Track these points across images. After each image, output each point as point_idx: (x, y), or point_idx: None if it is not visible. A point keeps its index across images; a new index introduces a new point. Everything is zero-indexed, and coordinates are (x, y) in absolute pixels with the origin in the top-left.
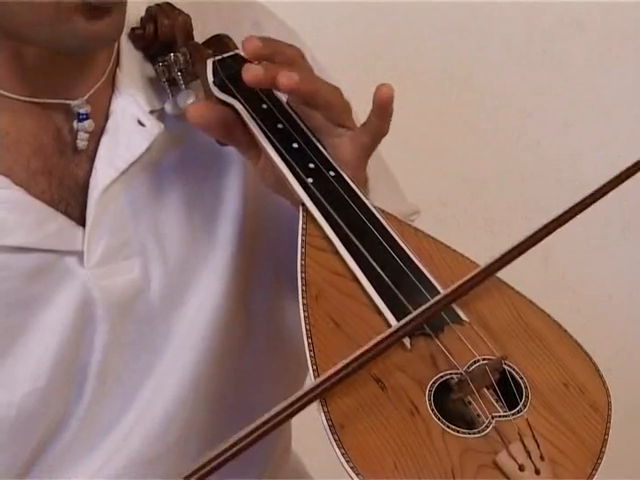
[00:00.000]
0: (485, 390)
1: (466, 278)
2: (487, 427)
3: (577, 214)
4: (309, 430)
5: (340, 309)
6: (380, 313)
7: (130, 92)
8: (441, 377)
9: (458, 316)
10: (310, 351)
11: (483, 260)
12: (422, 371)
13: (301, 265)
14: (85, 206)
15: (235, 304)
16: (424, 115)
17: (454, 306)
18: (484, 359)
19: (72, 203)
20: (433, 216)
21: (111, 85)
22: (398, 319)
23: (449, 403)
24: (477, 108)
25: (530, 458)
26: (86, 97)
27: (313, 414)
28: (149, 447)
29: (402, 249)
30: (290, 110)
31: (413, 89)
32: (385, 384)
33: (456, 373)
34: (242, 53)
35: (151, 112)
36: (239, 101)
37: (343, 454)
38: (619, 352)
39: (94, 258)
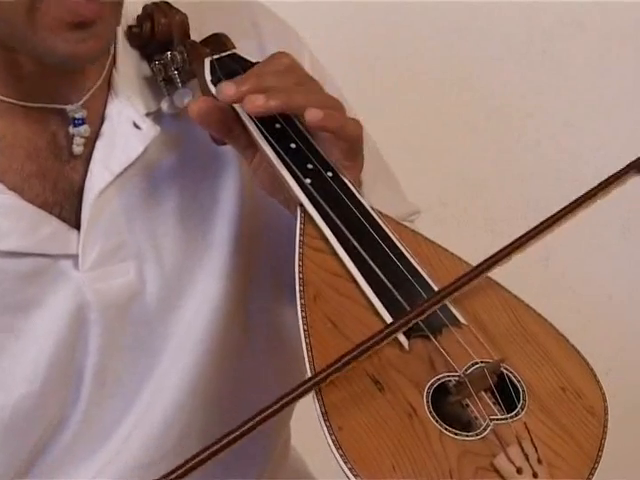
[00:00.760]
0: (483, 393)
1: (461, 274)
2: (485, 430)
3: (575, 212)
4: (310, 430)
5: (338, 310)
6: (378, 314)
7: (126, 94)
8: (439, 379)
9: (456, 319)
10: (308, 351)
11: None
12: (420, 373)
13: (299, 266)
14: (80, 209)
15: (233, 306)
16: (424, 115)
17: (452, 308)
18: (482, 362)
19: (66, 207)
20: (433, 216)
21: (107, 87)
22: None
23: (447, 406)
24: (477, 108)
25: (528, 461)
26: (81, 102)
27: (312, 413)
28: (148, 450)
29: (400, 250)
30: None
31: (413, 89)
32: (383, 385)
33: (454, 375)
34: (240, 52)
35: (147, 114)
36: None
37: (341, 455)
38: (619, 352)
39: (89, 261)
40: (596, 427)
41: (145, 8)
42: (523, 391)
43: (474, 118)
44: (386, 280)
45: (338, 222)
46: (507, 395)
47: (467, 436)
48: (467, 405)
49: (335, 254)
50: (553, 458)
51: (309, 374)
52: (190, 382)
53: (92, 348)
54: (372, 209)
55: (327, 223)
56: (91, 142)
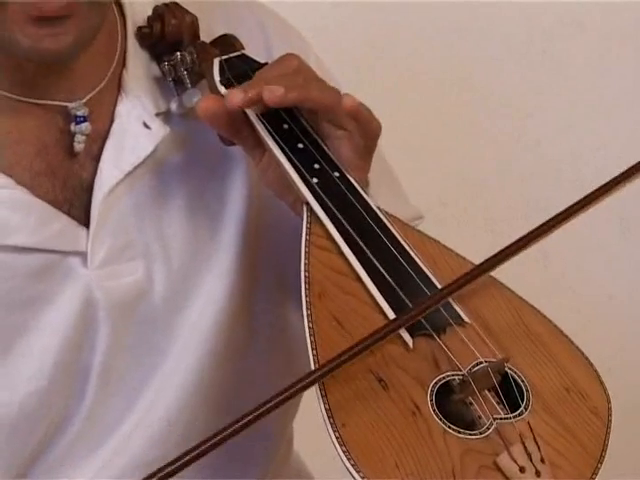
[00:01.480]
0: (487, 392)
1: (464, 272)
2: (488, 429)
3: (576, 213)
4: (310, 431)
5: (343, 308)
6: (383, 313)
7: (136, 94)
8: (443, 378)
9: (460, 317)
10: (313, 349)
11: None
12: (424, 371)
13: (304, 264)
14: (89, 207)
15: (238, 306)
16: (424, 115)
17: (456, 307)
18: (486, 361)
19: (76, 204)
20: (433, 216)
21: (116, 86)
22: None
23: (450, 404)
24: (477, 108)
25: (531, 460)
26: (85, 100)
27: (315, 414)
28: (150, 449)
29: (405, 250)
30: (295, 111)
31: (413, 89)
32: (387, 383)
33: (458, 374)
34: (249, 53)
35: (156, 114)
36: None
37: (344, 452)
38: (619, 352)
39: (97, 259)
40: (600, 428)
41: (156, 9)
42: (527, 391)
43: (474, 118)
44: (390, 279)
45: (344, 221)
46: (511, 395)
47: (470, 435)
48: (471, 404)
49: (341, 253)
50: (556, 458)
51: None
52: (194, 382)
53: (99, 346)
54: (378, 209)
55: (333, 222)
56: (101, 141)
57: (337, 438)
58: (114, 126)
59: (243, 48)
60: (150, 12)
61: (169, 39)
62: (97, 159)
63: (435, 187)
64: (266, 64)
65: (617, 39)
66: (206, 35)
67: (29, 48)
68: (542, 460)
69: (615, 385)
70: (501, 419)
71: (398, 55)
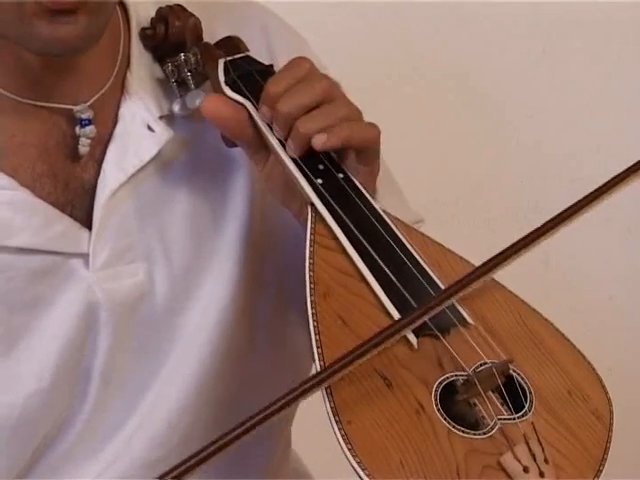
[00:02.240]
0: (490, 393)
1: (467, 273)
2: (492, 429)
3: (579, 213)
4: (310, 431)
5: (348, 307)
6: (387, 313)
7: (140, 96)
8: (447, 378)
9: (464, 319)
10: (318, 348)
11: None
12: (428, 371)
13: (309, 264)
14: (91, 209)
15: (239, 309)
16: (424, 115)
17: (460, 309)
18: (491, 361)
19: (78, 206)
20: (433, 216)
21: (120, 88)
22: None
23: (454, 404)
24: (477, 108)
25: (535, 461)
26: (89, 102)
27: (314, 414)
28: (152, 451)
29: (410, 251)
30: None
31: (413, 89)
32: (392, 382)
33: (462, 374)
34: (253, 55)
35: (160, 117)
36: (250, 101)
37: (349, 449)
38: (619, 352)
39: (99, 261)
40: (601, 430)
41: (159, 11)
42: (530, 392)
43: (474, 118)
44: (395, 279)
45: (348, 222)
46: (514, 396)
47: (474, 434)
48: (474, 404)
49: (345, 253)
50: (559, 459)
51: (318, 370)
52: (195, 383)
53: (101, 348)
54: (382, 211)
55: (337, 222)
56: (104, 143)
57: (342, 436)
58: (117, 128)
59: (247, 50)
60: (153, 14)
61: (172, 41)
62: (100, 161)
63: (435, 187)
64: (271, 65)
65: (617, 39)
66: (209, 37)
67: (48, 38)
68: (546, 460)
69: (615, 385)
70: (505, 420)
71: (398, 55)
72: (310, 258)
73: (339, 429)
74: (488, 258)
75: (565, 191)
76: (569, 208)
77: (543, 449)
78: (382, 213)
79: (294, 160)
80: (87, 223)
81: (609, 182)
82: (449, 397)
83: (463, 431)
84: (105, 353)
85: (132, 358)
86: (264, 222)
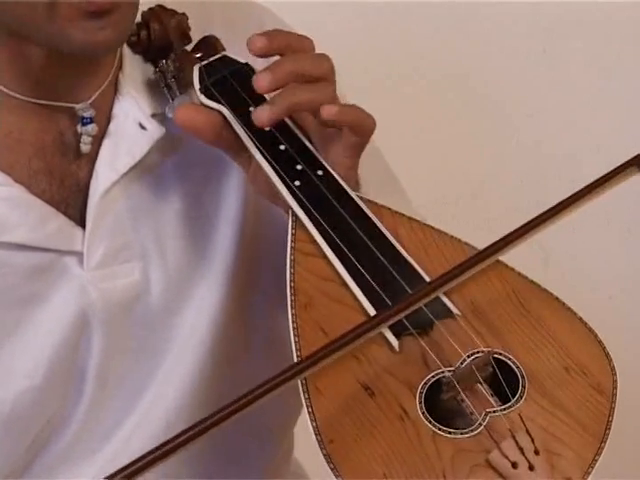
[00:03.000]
0: (479, 385)
1: (448, 269)
2: (480, 424)
3: (576, 205)
4: (309, 431)
5: (329, 317)
6: (369, 316)
7: (132, 95)
8: (432, 377)
9: (448, 310)
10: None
11: None
12: (412, 373)
13: (290, 273)
14: (85, 208)
15: (235, 307)
16: (424, 115)
17: (444, 300)
18: (474, 354)
19: (72, 204)
20: (433, 216)
21: (114, 87)
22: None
23: (442, 402)
24: (477, 108)
25: (523, 454)
26: (90, 101)
27: None
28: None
29: (392, 248)
30: None
31: (413, 89)
32: (374, 391)
33: (449, 370)
34: (230, 54)
35: (153, 116)
36: (225, 106)
37: (332, 469)
38: (619, 352)
39: (94, 260)
40: (603, 404)
41: (142, 15)
42: (522, 377)
43: (474, 118)
44: (375, 283)
45: (325, 224)
46: (507, 384)
47: (461, 434)
48: (462, 400)
49: (325, 257)
50: (554, 445)
51: (299, 383)
52: (191, 383)
53: (95, 348)
54: (363, 203)
55: (316, 226)
56: (97, 141)
57: (325, 455)
58: (110, 127)
59: (224, 49)
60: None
61: (157, 44)
62: (94, 159)
63: (435, 187)
64: (246, 64)
65: (617, 39)
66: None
67: (83, 42)
68: (536, 452)
69: None
70: (494, 413)
71: (398, 55)
72: (291, 267)
73: (321, 449)
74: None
75: (565, 191)
76: (563, 201)
77: (533, 440)
78: (363, 207)
79: (270, 163)
80: (81, 221)
81: (603, 177)
82: (437, 395)
83: (449, 432)
84: (100, 353)
85: (128, 358)
86: (258, 221)
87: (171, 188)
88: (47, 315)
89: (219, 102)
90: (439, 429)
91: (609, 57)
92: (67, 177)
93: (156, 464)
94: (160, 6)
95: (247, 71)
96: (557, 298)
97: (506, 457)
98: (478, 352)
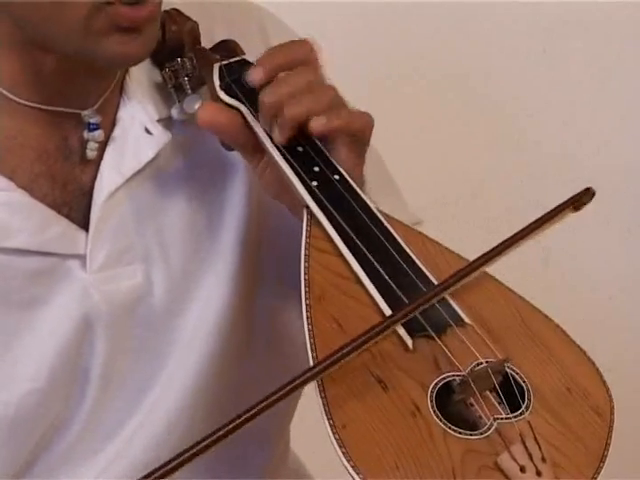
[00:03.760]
0: (487, 393)
1: (461, 267)
2: (489, 429)
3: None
4: (309, 431)
5: (343, 311)
6: (384, 316)
7: (138, 99)
8: (443, 379)
9: (460, 318)
10: (312, 352)
11: None
12: (424, 373)
13: (304, 267)
14: (88, 211)
15: (238, 310)
16: (424, 115)
17: (456, 308)
18: (487, 361)
19: (75, 207)
20: (433, 216)
21: (119, 92)
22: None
23: (451, 405)
24: (477, 108)
25: (532, 460)
26: (96, 106)
27: (313, 414)
28: (150, 452)
29: (406, 253)
30: None
31: (413, 89)
32: (387, 384)
33: (458, 375)
34: (249, 58)
35: (158, 120)
36: (245, 105)
37: (344, 453)
38: (619, 352)
39: (96, 263)
40: (602, 427)
41: None
42: (528, 390)
43: (474, 118)
44: (391, 281)
45: (344, 224)
46: (512, 395)
47: (471, 435)
48: (471, 405)
49: (341, 255)
50: (558, 458)
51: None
52: (194, 385)
53: (98, 349)
54: (378, 211)
55: (333, 225)
56: (102, 146)
57: (337, 439)
58: (116, 131)
59: (244, 53)
60: None
61: (170, 46)
62: (98, 163)
63: (435, 187)
64: None
65: (618, 39)
66: (207, 40)
67: (115, 54)
68: (543, 459)
69: (615, 385)
70: (502, 419)
71: (397, 55)
72: (305, 261)
73: (333, 433)
74: (480, 254)
75: (565, 191)
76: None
77: (540, 448)
78: (378, 214)
79: (289, 163)
80: (84, 225)
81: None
82: (446, 397)
83: (459, 432)
84: (103, 355)
85: (130, 360)
86: (261, 225)
87: (175, 191)
88: (50, 318)
89: (239, 100)
90: (449, 428)
91: (609, 57)
92: (70, 181)
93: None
94: (176, 9)
95: None
96: (558, 324)
97: (515, 460)
98: (491, 359)
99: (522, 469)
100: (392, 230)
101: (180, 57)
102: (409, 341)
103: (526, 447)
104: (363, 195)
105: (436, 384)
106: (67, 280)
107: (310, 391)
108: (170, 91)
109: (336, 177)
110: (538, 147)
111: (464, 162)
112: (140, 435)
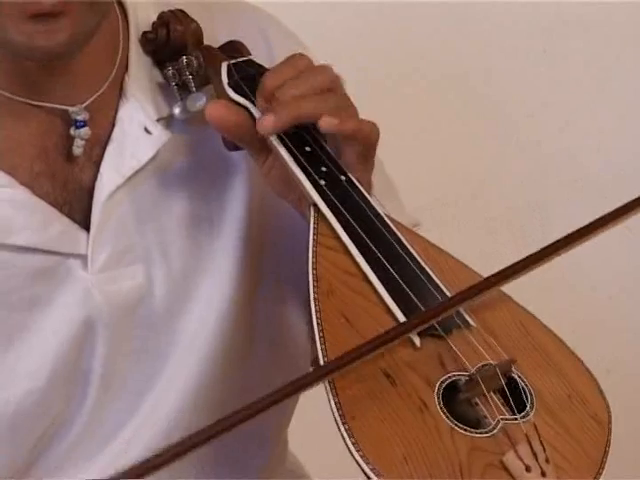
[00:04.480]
0: (492, 394)
1: (478, 281)
2: (495, 428)
3: (597, 230)
4: (307, 431)
5: (351, 306)
6: (390, 312)
7: (138, 99)
8: (449, 377)
9: (467, 321)
10: (322, 344)
11: (484, 261)
12: (431, 370)
13: (312, 262)
14: (88, 211)
15: (239, 311)
16: (424, 115)
17: (463, 313)
18: (493, 362)
19: (75, 207)
20: (433, 216)
21: (118, 91)
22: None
23: (456, 404)
24: (477, 108)
25: (536, 460)
26: (85, 104)
27: (312, 415)
28: (150, 452)
29: (412, 253)
30: None
31: (413, 89)
32: (395, 380)
33: (464, 374)
34: (255, 59)
35: (158, 120)
36: (253, 103)
37: (353, 443)
38: (619, 352)
39: (98, 263)
40: (600, 434)
41: (161, 15)
42: (531, 394)
43: (474, 118)
44: (399, 278)
45: (352, 221)
46: (515, 397)
47: (477, 433)
48: (476, 404)
49: (348, 253)
50: (559, 460)
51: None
52: (194, 386)
53: (99, 350)
54: (384, 213)
55: (340, 222)
56: (101, 145)
57: (347, 430)
58: (115, 131)
59: (250, 54)
60: (154, 17)
61: (173, 45)
62: (98, 163)
63: (435, 187)
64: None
65: (618, 39)
66: (209, 41)
67: (22, 45)
68: (547, 460)
69: (615, 385)
70: (507, 419)
71: (397, 55)
72: (313, 257)
73: (343, 423)
74: (499, 270)
75: (565, 191)
76: (586, 226)
77: (544, 449)
78: (384, 215)
79: (298, 162)
80: (85, 224)
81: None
82: (451, 397)
83: (466, 429)
84: (104, 355)
85: (131, 361)
86: (262, 225)
87: (176, 191)
88: (51, 317)
89: (247, 98)
90: (456, 425)
91: (609, 57)
92: (70, 180)
93: (168, 464)
94: (181, 10)
95: None
96: (559, 337)
97: (521, 460)
98: (497, 361)
99: (527, 469)
100: (398, 232)
101: (185, 56)
102: (417, 339)
103: (532, 447)
104: (369, 197)
105: (442, 382)
106: (69, 280)
107: (310, 391)
108: (173, 89)
109: (343, 178)
110: (538, 147)
111: (464, 162)
112: (139, 437)
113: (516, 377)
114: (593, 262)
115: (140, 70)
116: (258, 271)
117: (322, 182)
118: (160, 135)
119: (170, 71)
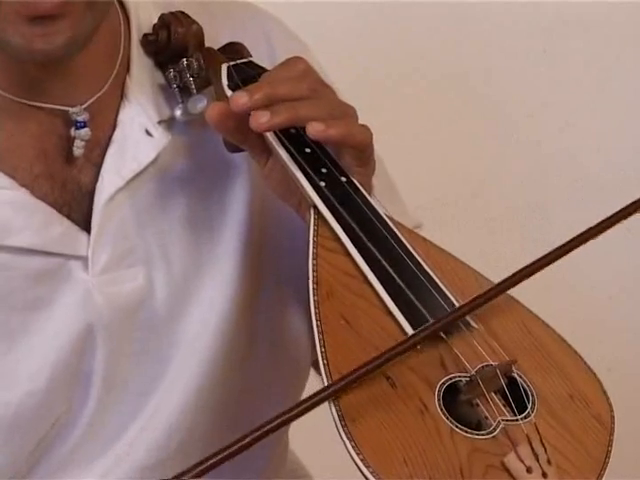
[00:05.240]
0: (493, 394)
1: (486, 289)
2: (495, 429)
3: (593, 237)
4: (308, 432)
5: (351, 308)
6: (391, 314)
7: (139, 101)
8: (450, 379)
9: (468, 323)
10: (322, 347)
11: (484, 261)
12: (431, 372)
13: (312, 265)
14: (89, 213)
15: (239, 314)
16: (424, 115)
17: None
18: (494, 363)
19: (75, 208)
20: (433, 216)
21: (119, 93)
22: (410, 321)
23: (457, 405)
24: (477, 108)
25: (538, 461)
26: (85, 105)
27: (312, 416)
28: (152, 454)
29: (413, 254)
30: None
31: (413, 89)
32: (395, 382)
33: (464, 376)
34: (256, 60)
35: (159, 122)
36: None
37: (354, 447)
38: (619, 352)
39: (98, 265)
40: (603, 435)
41: (162, 17)
42: (532, 395)
43: (474, 118)
44: (399, 280)
45: (352, 223)
46: (517, 398)
47: (478, 434)
48: (477, 405)
49: (348, 255)
50: (562, 461)
51: (322, 369)
52: (196, 388)
53: (100, 352)
54: (385, 214)
55: (341, 224)
56: (102, 147)
57: (346, 433)
58: (116, 133)
59: (250, 55)
60: (155, 19)
61: (174, 47)
62: (98, 165)
63: (435, 187)
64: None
65: (618, 39)
66: (210, 43)
67: (20, 48)
68: (549, 461)
69: (615, 385)
70: (508, 421)
71: (397, 55)
72: (313, 259)
73: (343, 426)
74: (506, 277)
75: (565, 191)
76: (588, 229)
77: (546, 450)
78: (385, 217)
79: (298, 163)
80: (85, 226)
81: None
82: (451, 398)
83: (466, 431)
84: (105, 358)
85: (133, 363)
86: (263, 227)
87: (177, 194)
88: (52, 319)
89: None
90: (456, 427)
91: (609, 57)
92: (69, 182)
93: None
94: (182, 12)
95: None
96: (562, 337)
97: (522, 461)
98: (498, 362)
99: (528, 470)
100: (399, 233)
101: (185, 57)
102: None
103: (533, 448)
104: (370, 198)
105: (443, 384)
106: (69, 282)
107: (311, 391)
108: (174, 92)
109: (343, 179)
110: (538, 147)
111: (464, 162)
112: (142, 438)
113: (517, 378)
114: (593, 262)
115: (141, 72)
116: (259, 273)
117: (322, 183)
118: (161, 138)
119: (171, 73)
